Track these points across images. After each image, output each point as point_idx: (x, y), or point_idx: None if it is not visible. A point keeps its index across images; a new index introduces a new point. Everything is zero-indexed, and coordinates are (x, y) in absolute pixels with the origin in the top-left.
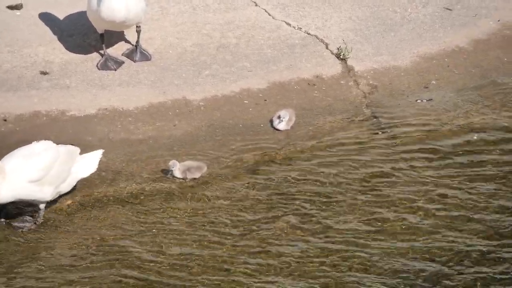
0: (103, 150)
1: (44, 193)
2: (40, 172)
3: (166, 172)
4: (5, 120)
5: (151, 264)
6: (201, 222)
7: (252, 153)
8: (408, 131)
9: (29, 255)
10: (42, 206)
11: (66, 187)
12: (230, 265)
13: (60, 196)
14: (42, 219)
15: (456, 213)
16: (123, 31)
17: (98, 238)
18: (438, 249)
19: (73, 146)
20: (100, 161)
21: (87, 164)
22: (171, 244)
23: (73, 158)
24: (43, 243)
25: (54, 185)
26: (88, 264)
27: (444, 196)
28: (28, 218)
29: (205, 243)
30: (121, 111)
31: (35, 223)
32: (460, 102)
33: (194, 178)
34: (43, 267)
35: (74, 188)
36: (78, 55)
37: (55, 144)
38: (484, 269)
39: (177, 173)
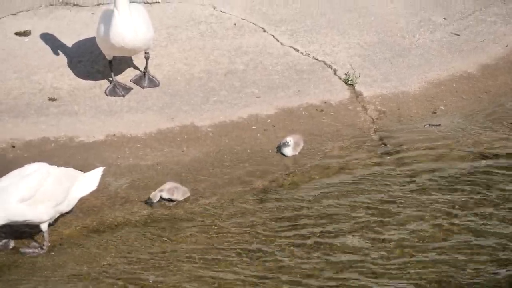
0: (104, 168)
1: (38, 213)
2: (27, 191)
3: (149, 202)
4: (13, 147)
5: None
6: (209, 248)
7: (260, 178)
8: (416, 156)
9: (39, 281)
10: (43, 227)
11: (65, 206)
12: None
13: (62, 216)
14: (49, 243)
15: (464, 238)
16: (131, 58)
17: (106, 264)
18: (445, 275)
19: (73, 169)
20: (109, 187)
21: (87, 182)
22: (181, 269)
23: (72, 179)
24: (51, 269)
25: (49, 204)
26: None
27: (452, 220)
28: (35, 244)
29: (215, 268)
30: (130, 137)
31: (41, 248)
32: (468, 127)
33: (173, 200)
34: None
35: (84, 214)
36: (86, 81)
37: (48, 165)
38: None
39: (165, 194)
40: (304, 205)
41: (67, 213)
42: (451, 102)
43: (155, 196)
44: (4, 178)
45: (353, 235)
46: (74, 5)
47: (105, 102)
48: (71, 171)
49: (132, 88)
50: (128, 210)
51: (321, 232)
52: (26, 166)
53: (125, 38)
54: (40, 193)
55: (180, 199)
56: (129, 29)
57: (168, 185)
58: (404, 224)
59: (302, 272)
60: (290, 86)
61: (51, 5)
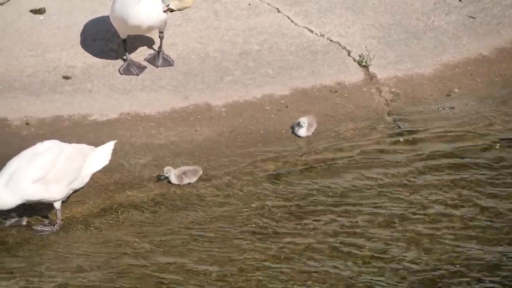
0: (115, 141)
1: (52, 192)
2: (40, 171)
3: (160, 177)
4: (27, 124)
5: (172, 269)
6: (221, 227)
7: (273, 159)
8: (430, 139)
9: (50, 258)
10: (57, 205)
11: (78, 183)
12: (250, 272)
13: (75, 192)
14: (62, 221)
15: (478, 221)
16: (146, 37)
17: (118, 242)
18: (459, 257)
19: (86, 145)
20: (122, 165)
21: (99, 157)
22: (193, 249)
23: (84, 156)
24: (63, 246)
25: (62, 183)
26: (108, 268)
27: (466, 203)
28: (48, 221)
29: (227, 247)
30: (143, 116)
31: (54, 225)
32: (482, 110)
33: (189, 183)
34: (63, 271)
35: (96, 192)
36: (100, 59)
37: (61, 143)
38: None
39: (173, 179)
40: (316, 186)
41: (80, 189)
42: (466, 85)
43: (169, 170)
44: (17, 157)
45: (364, 217)
46: None
47: (119, 81)
48: (83, 147)
49: (146, 67)
50: (140, 189)
51: (334, 213)
52: (38, 144)
53: (143, 18)
54: (53, 172)
55: (192, 181)
56: (152, 10)
57: (178, 171)
58: (417, 206)
59: (316, 253)
60: (304, 67)
61: None
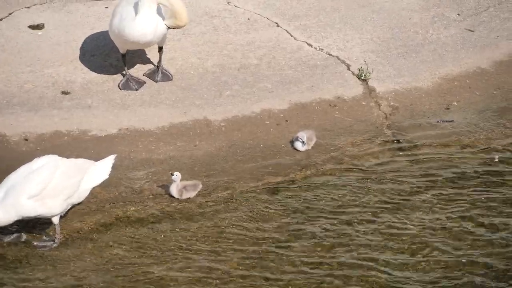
0: (116, 155)
1: (49, 207)
2: (36, 187)
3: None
4: (26, 140)
5: (172, 283)
6: (220, 242)
7: (273, 173)
8: (429, 152)
9: (50, 275)
10: (55, 220)
11: (76, 198)
12: (248, 285)
13: (74, 207)
14: (61, 237)
15: (477, 234)
16: (144, 51)
17: (118, 258)
18: (458, 268)
19: (85, 160)
20: (121, 180)
21: (98, 172)
22: (192, 264)
23: (83, 170)
24: (62, 263)
25: (60, 198)
26: (107, 284)
27: (465, 217)
28: (47, 237)
29: (226, 262)
30: (142, 131)
31: (53, 241)
32: (481, 123)
33: (189, 197)
34: (62, 285)
35: (96, 207)
36: (99, 75)
37: (59, 158)
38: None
39: (174, 193)
40: (316, 200)
41: (79, 204)
42: (464, 98)
43: (176, 177)
44: (13, 173)
45: (364, 231)
46: None
47: (118, 96)
48: (82, 161)
49: (145, 82)
50: (140, 204)
51: (333, 227)
52: (35, 160)
53: (141, 33)
54: (50, 188)
55: (192, 196)
56: (151, 25)
57: (181, 185)
58: (416, 220)
59: (315, 269)
60: (303, 81)
61: None
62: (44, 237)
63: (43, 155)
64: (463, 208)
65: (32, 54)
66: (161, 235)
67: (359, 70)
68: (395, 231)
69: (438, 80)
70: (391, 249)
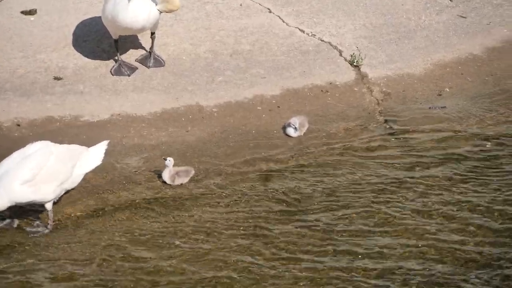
0: (109, 141)
1: (42, 192)
2: (29, 172)
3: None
4: (18, 125)
5: (164, 268)
6: (213, 227)
7: (265, 159)
8: (421, 138)
9: (41, 261)
10: (48, 206)
11: (70, 184)
12: (241, 271)
13: (67, 193)
14: (54, 222)
15: (468, 219)
16: (137, 37)
17: (110, 244)
18: (448, 252)
19: (78, 146)
20: (113, 166)
21: (91, 158)
22: (184, 250)
23: (76, 156)
24: (55, 249)
25: (53, 183)
26: (100, 270)
27: (457, 202)
28: (39, 223)
29: (219, 247)
30: (135, 116)
31: (46, 227)
32: (473, 109)
33: (182, 183)
34: (55, 273)
35: (88, 193)
36: (91, 60)
37: (52, 143)
38: (492, 273)
39: (166, 178)
40: (308, 186)
41: (72, 189)
42: (457, 84)
43: (169, 162)
44: (6, 159)
45: (356, 216)
46: None
47: (110, 82)
48: (75, 147)
49: (137, 68)
50: (132, 190)
51: (325, 213)
52: (28, 146)
53: (134, 18)
54: (43, 174)
55: (184, 182)
56: (144, 10)
57: (173, 170)
58: (408, 205)
59: (306, 253)
60: (295, 67)
61: None
62: (37, 223)
63: (36, 140)
64: (454, 193)
65: (25, 39)
66: (153, 221)
67: (351, 56)
68: (388, 216)
69: (430, 66)
70: (385, 233)
